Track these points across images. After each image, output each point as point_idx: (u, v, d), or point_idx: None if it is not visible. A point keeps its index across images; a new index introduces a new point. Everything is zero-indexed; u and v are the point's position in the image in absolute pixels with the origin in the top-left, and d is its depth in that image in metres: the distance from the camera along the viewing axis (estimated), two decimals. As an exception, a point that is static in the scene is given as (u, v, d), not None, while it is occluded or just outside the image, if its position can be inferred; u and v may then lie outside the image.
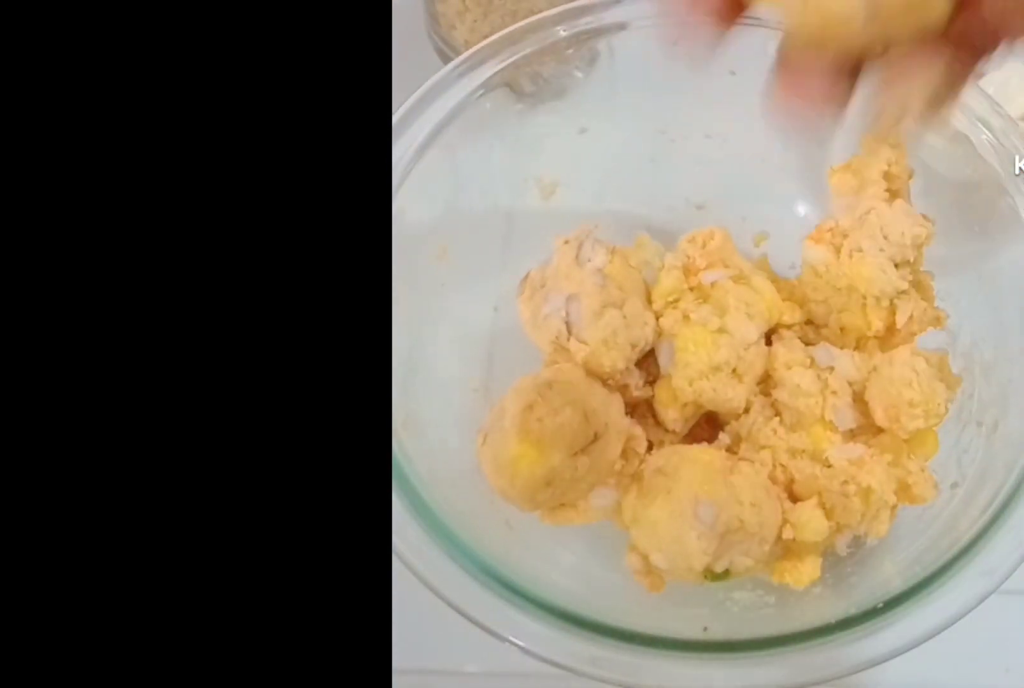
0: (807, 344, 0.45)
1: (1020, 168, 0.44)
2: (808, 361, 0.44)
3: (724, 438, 0.44)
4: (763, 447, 0.43)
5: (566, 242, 0.45)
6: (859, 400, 0.44)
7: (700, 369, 0.43)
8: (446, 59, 0.53)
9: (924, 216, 0.43)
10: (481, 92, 0.44)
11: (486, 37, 0.44)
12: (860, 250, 0.43)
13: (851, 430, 0.43)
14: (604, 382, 0.43)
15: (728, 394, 0.43)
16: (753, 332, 0.44)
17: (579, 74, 0.49)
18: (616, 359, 0.42)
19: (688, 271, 0.45)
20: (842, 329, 0.45)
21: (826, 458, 0.42)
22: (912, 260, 0.43)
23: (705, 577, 0.41)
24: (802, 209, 0.51)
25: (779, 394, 0.44)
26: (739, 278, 0.45)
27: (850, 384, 0.43)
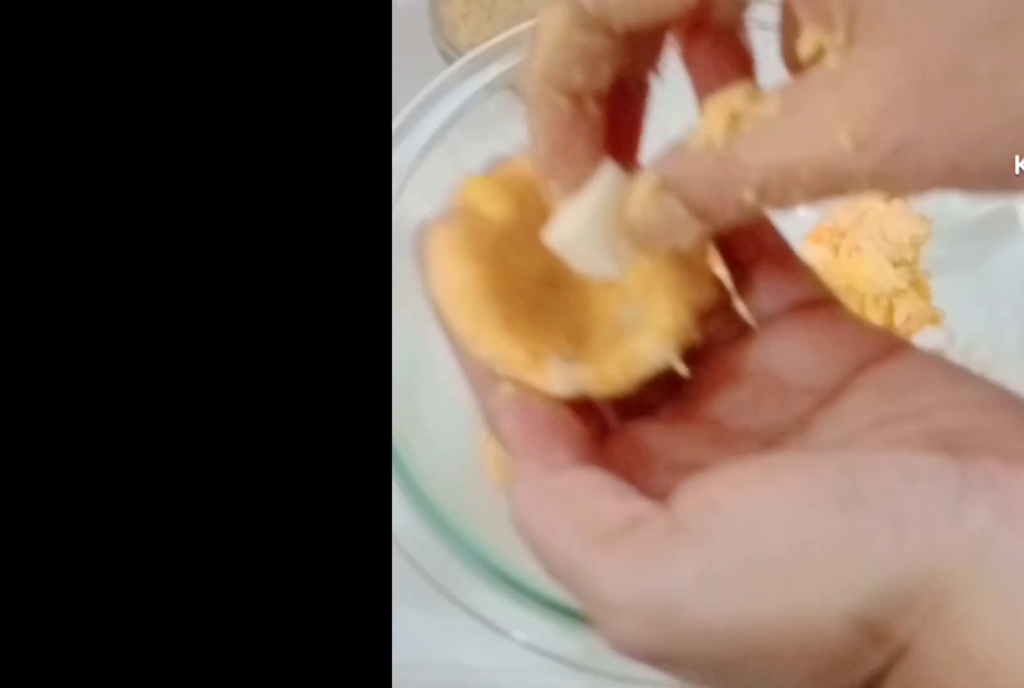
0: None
1: (1020, 168, 0.44)
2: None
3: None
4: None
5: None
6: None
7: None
8: (450, 61, 0.53)
9: (922, 216, 0.43)
10: (484, 94, 0.44)
11: (489, 39, 0.44)
12: (858, 249, 0.43)
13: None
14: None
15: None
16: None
17: (581, 76, 0.49)
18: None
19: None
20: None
21: None
22: (910, 259, 0.43)
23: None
24: (802, 209, 0.51)
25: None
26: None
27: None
